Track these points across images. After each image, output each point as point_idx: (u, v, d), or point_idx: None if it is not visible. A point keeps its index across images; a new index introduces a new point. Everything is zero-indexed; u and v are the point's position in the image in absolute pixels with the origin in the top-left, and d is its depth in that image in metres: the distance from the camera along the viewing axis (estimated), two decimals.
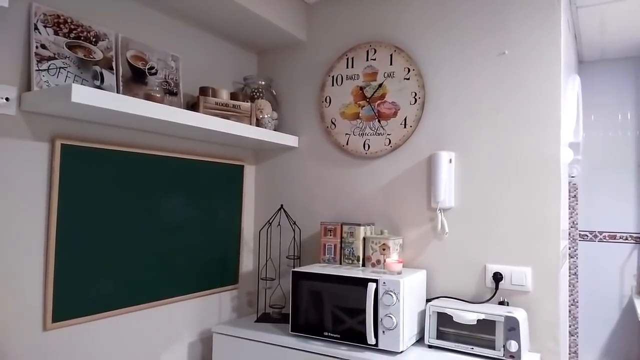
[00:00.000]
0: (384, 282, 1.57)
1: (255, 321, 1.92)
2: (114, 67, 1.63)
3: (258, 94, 2.05)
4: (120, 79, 1.64)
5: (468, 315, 1.55)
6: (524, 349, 1.50)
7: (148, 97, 1.57)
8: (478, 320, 1.54)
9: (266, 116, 2.00)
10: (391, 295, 1.55)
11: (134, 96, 1.60)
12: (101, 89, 1.55)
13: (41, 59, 1.42)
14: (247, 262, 2.20)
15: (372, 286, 1.57)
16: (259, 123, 1.98)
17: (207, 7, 1.80)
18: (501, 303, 1.67)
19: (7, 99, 1.35)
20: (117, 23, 1.67)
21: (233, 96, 1.91)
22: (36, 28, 1.41)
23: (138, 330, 1.71)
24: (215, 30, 2.02)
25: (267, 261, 2.07)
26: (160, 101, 1.60)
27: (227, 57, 2.14)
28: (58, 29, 1.47)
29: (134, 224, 1.69)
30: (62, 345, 1.47)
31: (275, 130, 2.07)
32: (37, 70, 1.40)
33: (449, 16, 1.82)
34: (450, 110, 1.81)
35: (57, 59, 1.46)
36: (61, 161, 1.47)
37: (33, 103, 1.36)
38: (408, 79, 1.87)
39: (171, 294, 1.83)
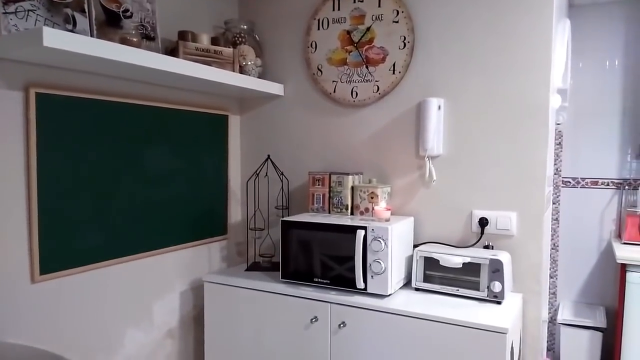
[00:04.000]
0: (373, 229, 1.59)
1: (246, 270, 1.94)
2: (87, 10, 1.53)
3: (240, 39, 1.96)
4: (94, 22, 1.54)
5: (454, 258, 1.59)
6: (507, 289, 1.55)
7: (124, 42, 1.49)
8: (464, 264, 1.58)
9: (249, 63, 1.92)
10: (379, 242, 1.57)
11: (109, 41, 1.52)
12: (74, 33, 1.46)
13: (7, 1, 1.32)
14: (235, 213, 2.20)
15: (360, 233, 1.59)
16: (242, 70, 1.91)
17: None
18: (486, 247, 1.71)
19: None
20: None
21: (214, 41, 1.83)
22: None
23: (129, 281, 1.72)
24: None
25: (255, 212, 2.07)
26: (138, 46, 1.52)
27: None
28: None
29: (119, 175, 1.66)
30: (52, 298, 1.47)
31: (259, 77, 2.00)
32: (4, 13, 1.31)
33: None
34: (440, 55, 1.76)
35: (25, 0, 1.36)
36: (37, 111, 1.41)
37: (2, 49, 1.28)
38: (397, 22, 1.81)
39: (160, 245, 1.83)
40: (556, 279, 2.59)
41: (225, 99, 2.13)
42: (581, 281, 2.54)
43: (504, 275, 1.52)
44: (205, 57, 1.76)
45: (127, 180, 1.69)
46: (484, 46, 1.69)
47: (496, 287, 1.53)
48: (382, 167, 1.90)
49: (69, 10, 1.47)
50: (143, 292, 1.77)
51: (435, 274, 1.63)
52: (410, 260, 1.73)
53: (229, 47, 1.85)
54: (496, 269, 1.54)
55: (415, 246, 1.74)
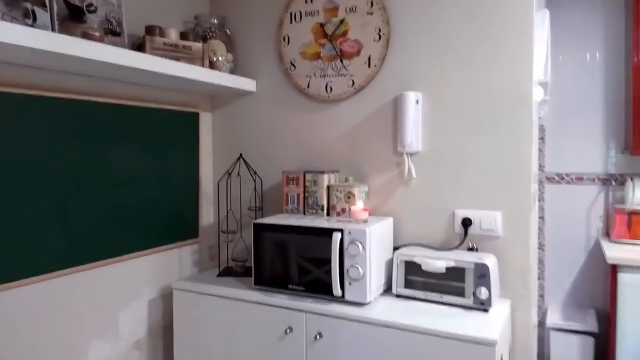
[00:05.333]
0: (349, 232, 1.50)
1: (217, 275, 1.85)
2: (48, 5, 1.44)
3: (211, 34, 1.88)
4: (56, 17, 1.45)
5: (437, 263, 1.51)
6: (495, 295, 1.47)
7: (85, 36, 1.41)
8: (447, 268, 1.49)
9: (220, 58, 1.84)
10: (357, 245, 1.48)
11: (71, 35, 1.43)
12: (33, 27, 1.37)
13: None
14: (207, 215, 2.10)
15: (337, 236, 1.50)
16: (212, 66, 1.82)
17: None
18: (471, 249, 1.63)
19: None
20: None
21: (183, 36, 1.75)
22: None
23: (92, 290, 1.61)
24: None
25: (227, 213, 1.97)
26: (100, 40, 1.43)
27: None
28: None
29: (82, 177, 1.56)
30: (7, 309, 1.37)
31: (231, 73, 1.92)
32: None
33: None
34: (417, 47, 1.69)
35: None
36: None
37: None
38: (371, 13, 1.73)
39: (128, 250, 1.73)
40: (543, 280, 2.51)
41: (196, 95, 2.04)
42: (569, 282, 2.46)
43: (491, 280, 1.44)
44: (173, 53, 1.67)
45: (90, 183, 1.59)
46: (463, 37, 1.62)
47: (482, 293, 1.44)
48: (359, 164, 1.82)
49: (28, 5, 1.38)
50: (108, 302, 1.67)
51: (417, 279, 1.55)
52: (390, 264, 1.64)
53: (199, 42, 1.77)
54: (482, 273, 1.45)
55: (395, 249, 1.66)
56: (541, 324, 2.44)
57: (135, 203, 1.75)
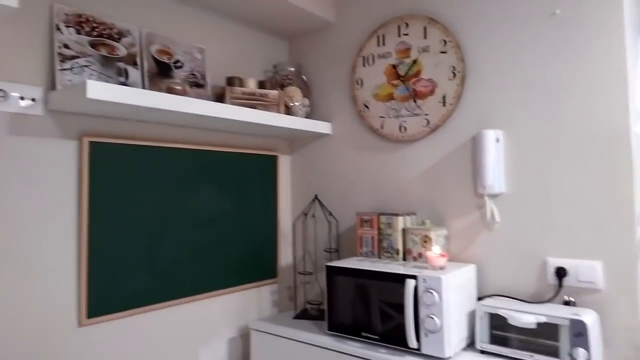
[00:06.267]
0: (424, 279, 1.42)
1: (294, 318, 1.85)
2: (139, 63, 1.61)
3: (288, 80, 1.96)
4: (146, 74, 1.62)
5: (526, 317, 1.36)
6: (595, 357, 1.27)
7: (169, 90, 1.54)
8: (538, 324, 1.33)
9: (297, 103, 1.90)
10: (432, 294, 1.39)
11: (158, 90, 1.58)
12: (126, 85, 1.54)
13: (64, 59, 1.43)
14: (285, 256, 2.13)
15: (410, 283, 1.42)
16: (289, 111, 1.89)
17: None
18: (566, 303, 1.45)
19: (33, 99, 1.38)
20: (140, 19, 1.66)
21: (261, 84, 1.85)
22: (58, 28, 1.42)
23: (175, 326, 1.70)
24: (241, 19, 1.97)
25: (304, 254, 1.98)
26: (182, 93, 1.56)
27: (255, 45, 2.07)
28: (80, 28, 1.48)
29: (168, 218, 1.68)
30: (98, 342, 1.49)
31: (307, 117, 1.97)
32: (60, 69, 1.41)
33: None
34: (496, 83, 1.60)
35: (80, 57, 1.46)
36: (89, 158, 1.48)
37: (58, 102, 1.37)
38: (445, 52, 1.69)
39: (209, 289, 1.80)
40: None
41: (275, 139, 2.12)
42: None
43: (590, 340, 1.26)
44: (250, 101, 1.77)
45: (177, 223, 1.70)
46: (547, 70, 1.50)
47: (580, 355, 1.26)
48: (436, 207, 1.73)
49: (121, 64, 1.56)
50: (190, 338, 1.74)
51: (504, 335, 1.40)
52: (473, 316, 1.52)
53: (277, 89, 1.85)
54: (579, 332, 1.27)
55: (479, 299, 1.53)
56: None
57: (216, 243, 1.83)
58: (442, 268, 1.49)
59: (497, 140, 1.57)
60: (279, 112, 1.81)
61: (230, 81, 1.79)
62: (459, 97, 1.67)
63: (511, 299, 1.51)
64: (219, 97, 1.81)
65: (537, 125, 1.52)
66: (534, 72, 1.53)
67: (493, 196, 1.59)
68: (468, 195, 1.66)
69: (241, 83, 1.80)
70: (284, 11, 1.89)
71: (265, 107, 1.79)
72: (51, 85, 1.40)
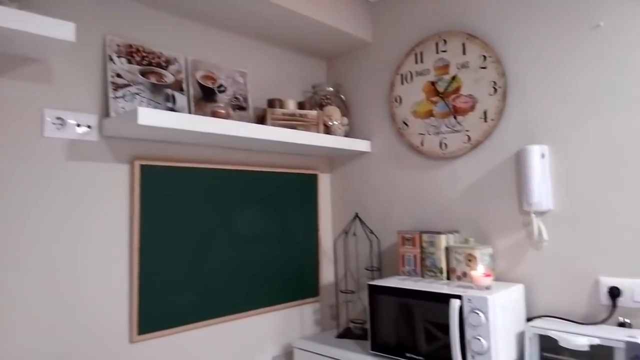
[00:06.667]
0: (469, 299, 1.39)
1: (337, 336, 1.84)
2: (185, 89, 1.69)
3: (327, 100, 1.99)
4: (192, 99, 1.70)
5: (578, 339, 1.30)
6: None
7: (213, 114, 1.60)
8: (591, 346, 1.27)
9: (335, 122, 1.93)
10: (478, 314, 1.36)
11: (202, 115, 1.64)
12: (173, 110, 1.61)
13: (117, 87, 1.51)
14: (327, 274, 2.14)
15: (455, 303, 1.40)
16: (328, 130, 1.92)
17: (273, 21, 1.80)
18: (621, 325, 1.38)
19: (89, 126, 1.46)
20: (186, 47, 1.74)
21: (300, 105, 1.88)
22: (111, 59, 1.52)
23: (221, 343, 1.73)
24: (281, 42, 2.02)
25: (345, 273, 1.98)
26: (225, 117, 1.62)
27: (295, 67, 2.12)
28: (131, 57, 1.57)
29: (212, 237, 1.73)
30: (148, 357, 1.54)
31: (346, 136, 1.99)
32: (113, 97, 1.50)
33: None
34: (539, 97, 1.57)
35: (131, 85, 1.55)
36: (140, 180, 1.55)
37: (111, 128, 1.45)
38: (485, 67, 1.67)
39: (252, 306, 1.83)
40: None
41: (314, 158, 2.15)
42: None
43: None
44: (291, 121, 1.81)
45: (221, 242, 1.75)
46: (591, 83, 1.46)
47: None
48: (480, 225, 1.70)
49: (169, 91, 1.64)
50: (235, 354, 1.77)
51: (555, 357, 1.34)
52: (521, 337, 1.47)
53: (316, 109, 1.88)
54: (635, 355, 1.20)
55: (528, 320, 1.48)
56: None
57: (259, 261, 1.86)
58: (487, 288, 1.45)
59: (543, 155, 1.53)
60: (318, 131, 1.84)
61: (271, 103, 1.84)
62: (501, 113, 1.64)
63: (562, 320, 1.46)
64: (261, 119, 1.86)
65: (584, 140, 1.47)
66: (579, 85, 1.49)
67: (540, 213, 1.54)
68: (513, 212, 1.61)
69: (281, 104, 1.84)
70: (322, 33, 1.93)
71: (305, 127, 1.82)
72: (105, 113, 1.49)
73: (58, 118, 1.40)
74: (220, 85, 1.80)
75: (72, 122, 1.43)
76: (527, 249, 1.58)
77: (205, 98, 1.74)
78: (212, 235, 1.72)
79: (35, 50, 1.30)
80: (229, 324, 1.76)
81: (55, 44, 1.25)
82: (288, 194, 1.99)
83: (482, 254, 1.60)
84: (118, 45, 1.54)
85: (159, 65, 1.63)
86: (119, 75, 1.53)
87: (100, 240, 1.46)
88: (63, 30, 1.22)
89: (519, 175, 1.59)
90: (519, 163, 1.58)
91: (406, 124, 1.90)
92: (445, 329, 1.43)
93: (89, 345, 1.41)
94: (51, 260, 1.35)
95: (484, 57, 1.68)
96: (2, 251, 1.27)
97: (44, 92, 1.38)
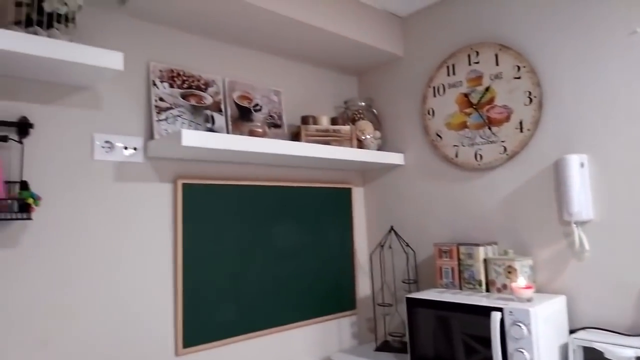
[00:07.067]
0: (511, 312, 1.37)
1: (375, 350, 1.85)
2: (223, 109, 1.76)
3: (359, 115, 2.02)
4: (229, 119, 1.76)
5: (624, 351, 1.27)
6: None
7: (251, 133, 1.66)
8: (638, 358, 1.24)
9: (368, 137, 1.95)
10: (520, 327, 1.34)
11: (240, 133, 1.70)
12: (213, 130, 1.68)
13: (160, 110, 1.59)
14: (363, 287, 2.15)
15: (496, 316, 1.38)
16: (361, 144, 1.94)
17: (305, 40, 1.86)
18: None
19: (135, 148, 1.54)
20: (223, 69, 1.81)
21: (333, 121, 1.92)
22: (154, 84, 1.60)
23: (261, 356, 1.76)
24: (313, 61, 2.07)
25: (382, 286, 1.99)
26: (262, 135, 1.67)
27: (327, 83, 2.17)
28: (172, 82, 1.65)
29: (251, 252, 1.77)
30: None
31: (379, 149, 2.01)
32: (157, 120, 1.58)
33: None
34: (576, 106, 1.55)
35: (173, 108, 1.63)
36: (183, 198, 1.62)
37: (155, 150, 1.53)
38: (519, 77, 1.66)
39: (291, 320, 1.86)
40: None
41: (348, 172, 2.17)
42: None
43: None
44: (324, 137, 1.84)
45: (259, 256, 1.79)
46: (629, 90, 1.43)
47: None
48: (519, 236, 1.67)
49: (208, 112, 1.71)
50: None
51: None
52: (565, 350, 1.43)
53: (349, 124, 1.91)
54: None
55: (571, 332, 1.45)
56: None
57: (296, 275, 1.89)
58: (529, 300, 1.43)
59: (582, 165, 1.50)
60: (351, 146, 1.86)
61: (305, 120, 1.88)
62: (537, 122, 1.63)
63: (607, 332, 1.42)
64: (295, 136, 1.91)
65: (625, 148, 1.44)
66: (617, 92, 1.46)
67: (581, 223, 1.51)
68: (553, 223, 1.59)
69: (315, 121, 1.88)
70: (353, 50, 1.97)
71: (339, 142, 1.85)
72: (149, 135, 1.56)
73: (107, 142, 1.49)
74: (256, 105, 1.86)
75: (120, 145, 1.51)
76: (568, 259, 1.55)
77: (242, 117, 1.80)
78: (251, 250, 1.77)
79: (86, 79, 1.38)
80: (269, 337, 1.79)
81: (105, 72, 1.33)
82: (323, 209, 2.02)
83: (522, 266, 1.58)
84: (160, 71, 1.62)
85: (198, 88, 1.71)
86: (161, 99, 1.60)
87: (146, 256, 1.52)
88: (112, 59, 1.30)
89: (558, 185, 1.57)
90: (558, 172, 1.56)
91: (439, 136, 1.90)
92: (485, 342, 1.41)
93: (137, 357, 1.47)
94: (102, 276, 1.43)
95: (518, 67, 1.67)
96: (56, 268, 1.35)
97: (94, 117, 1.47)
